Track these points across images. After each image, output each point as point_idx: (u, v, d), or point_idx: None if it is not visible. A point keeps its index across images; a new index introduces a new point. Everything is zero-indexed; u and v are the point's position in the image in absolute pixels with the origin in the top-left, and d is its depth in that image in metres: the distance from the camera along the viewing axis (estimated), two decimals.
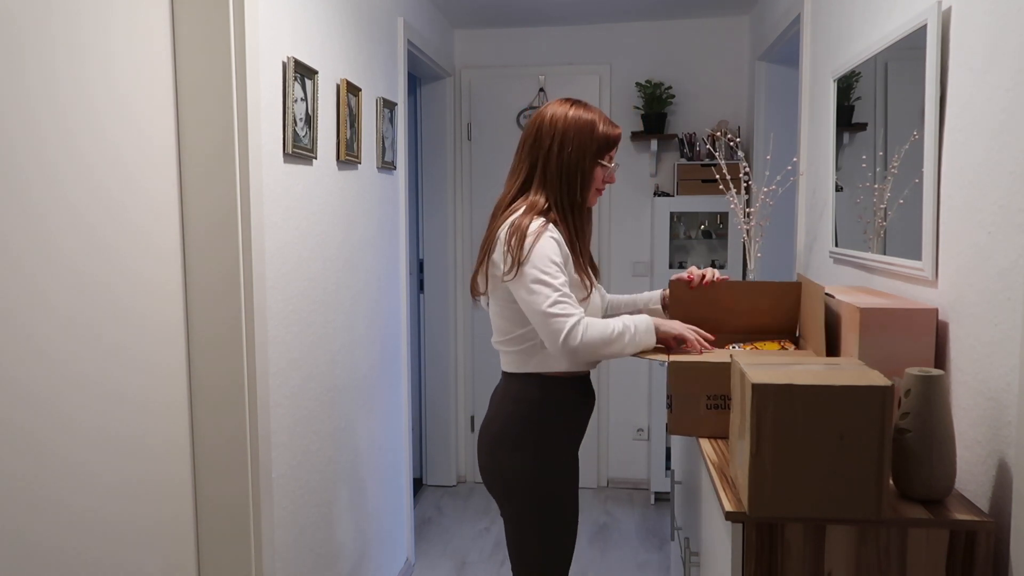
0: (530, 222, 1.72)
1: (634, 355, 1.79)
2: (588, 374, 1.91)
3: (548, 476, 1.80)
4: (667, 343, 1.80)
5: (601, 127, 1.80)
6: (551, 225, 1.74)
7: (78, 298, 1.41)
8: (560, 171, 1.78)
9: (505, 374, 1.87)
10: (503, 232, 1.75)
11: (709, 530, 1.57)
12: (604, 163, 1.82)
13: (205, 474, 1.78)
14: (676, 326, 1.79)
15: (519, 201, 1.81)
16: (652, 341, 1.77)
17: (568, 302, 1.68)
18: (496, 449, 1.82)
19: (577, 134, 1.78)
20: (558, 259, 1.71)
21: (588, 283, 1.81)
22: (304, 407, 2.12)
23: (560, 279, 1.69)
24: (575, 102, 1.83)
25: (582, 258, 1.82)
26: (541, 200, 1.78)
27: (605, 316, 1.98)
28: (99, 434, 1.47)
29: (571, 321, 1.66)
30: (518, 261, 1.69)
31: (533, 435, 1.79)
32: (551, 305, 1.66)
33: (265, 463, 1.84)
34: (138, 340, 1.58)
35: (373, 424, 2.71)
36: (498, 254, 1.75)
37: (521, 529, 1.83)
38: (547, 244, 1.70)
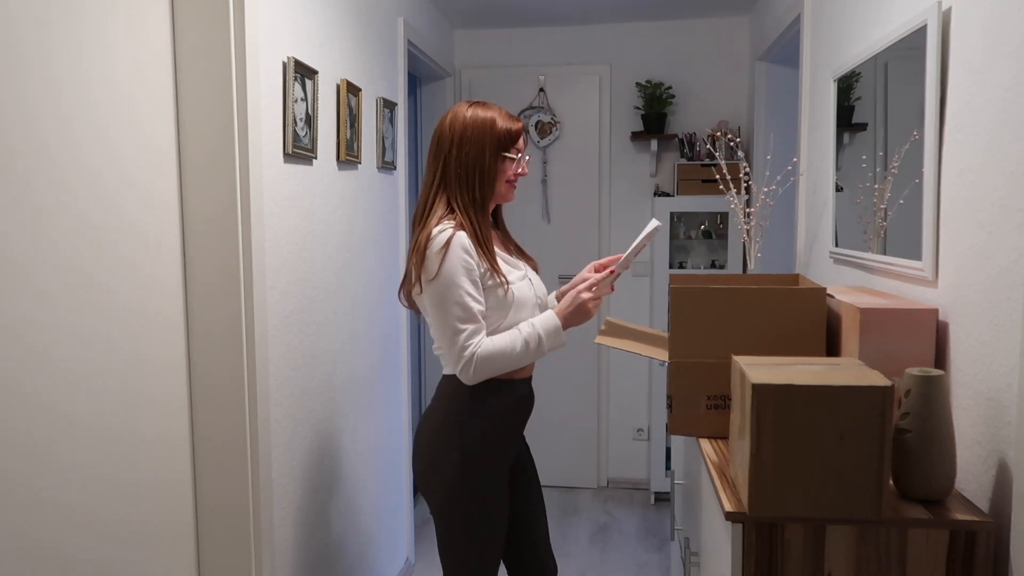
0: (438, 235, 1.72)
1: (632, 353, 1.81)
2: (529, 377, 1.91)
3: (473, 479, 1.80)
4: (581, 320, 1.82)
5: (500, 123, 1.81)
6: (459, 233, 1.72)
7: (78, 296, 1.41)
8: (462, 170, 1.79)
9: (443, 375, 1.90)
10: (415, 250, 1.75)
11: (709, 530, 1.57)
12: (510, 155, 1.83)
13: (205, 473, 1.78)
14: (571, 305, 1.81)
15: (427, 212, 1.81)
16: (561, 340, 1.80)
17: (469, 331, 1.71)
18: (425, 449, 1.84)
19: (476, 132, 1.79)
20: (464, 276, 1.71)
21: (502, 279, 1.77)
22: (304, 407, 2.12)
23: (463, 299, 1.70)
24: (475, 103, 1.85)
25: (490, 255, 1.78)
26: (445, 205, 1.79)
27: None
28: (98, 433, 1.47)
29: (467, 352, 1.71)
30: (424, 282, 1.73)
31: (460, 438, 1.79)
32: (451, 334, 1.72)
33: (265, 463, 1.84)
34: (138, 339, 1.58)
35: (373, 424, 2.71)
36: (414, 272, 1.77)
37: (446, 528, 1.85)
38: (451, 263, 1.69)
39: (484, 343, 1.73)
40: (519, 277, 1.84)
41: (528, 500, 2.02)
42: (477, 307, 1.72)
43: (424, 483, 1.86)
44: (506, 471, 1.87)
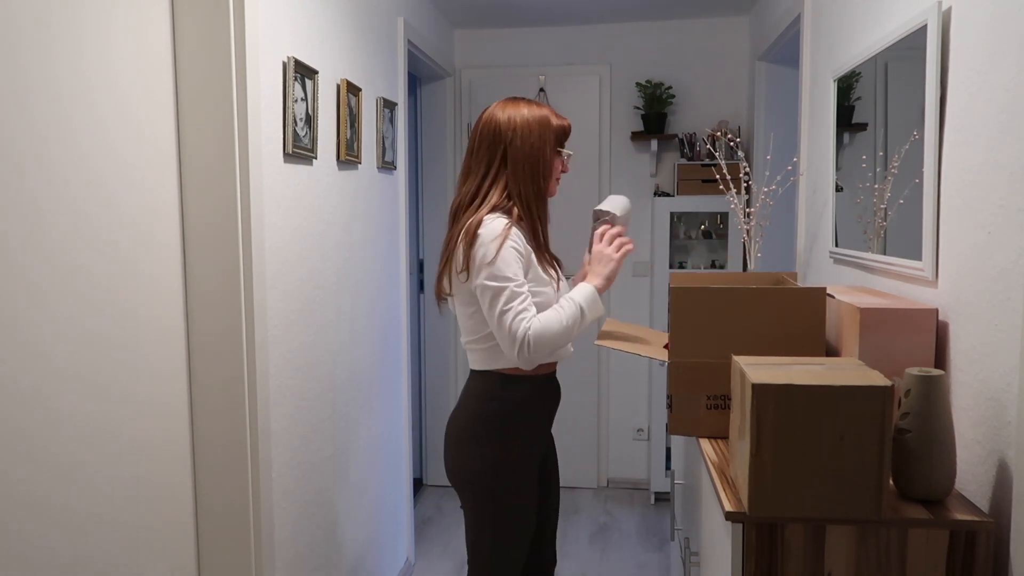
0: (492, 224, 1.75)
1: (632, 354, 1.81)
2: (553, 371, 1.94)
3: (506, 472, 1.82)
4: (612, 272, 1.88)
5: (554, 120, 1.88)
6: (513, 227, 1.77)
7: (76, 294, 1.41)
8: (523, 163, 1.83)
9: (472, 372, 1.90)
10: (466, 234, 1.77)
11: (709, 530, 1.57)
12: (561, 150, 1.90)
13: (205, 473, 1.78)
14: (602, 267, 1.87)
15: (479, 200, 1.83)
16: (600, 308, 1.83)
17: (523, 310, 1.71)
18: (458, 444, 1.86)
19: (537, 127, 1.84)
20: (517, 263, 1.74)
21: (554, 275, 1.84)
22: (304, 407, 2.12)
23: (516, 284, 1.72)
24: (522, 100, 1.89)
25: (546, 251, 1.87)
26: (503, 197, 1.82)
27: None
28: (98, 433, 1.47)
29: (520, 331, 1.70)
30: (477, 266, 1.74)
31: (494, 432, 1.81)
32: (506, 315, 1.71)
33: (265, 462, 1.84)
34: (138, 338, 1.58)
35: (373, 424, 2.71)
36: (459, 255, 1.78)
37: (477, 522, 1.86)
38: (507, 250, 1.73)
39: (534, 322, 1.72)
40: (557, 279, 1.88)
41: (548, 496, 2.03)
42: (526, 293, 1.74)
43: (456, 478, 1.87)
44: (535, 466, 1.89)
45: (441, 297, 1.90)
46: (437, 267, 1.89)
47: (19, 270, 1.28)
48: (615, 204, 2.00)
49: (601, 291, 1.84)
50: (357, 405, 2.54)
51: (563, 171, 1.94)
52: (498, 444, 1.81)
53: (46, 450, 1.34)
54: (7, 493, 1.26)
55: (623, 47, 3.96)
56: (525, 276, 1.77)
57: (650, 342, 2.05)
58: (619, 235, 1.93)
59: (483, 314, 1.77)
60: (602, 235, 1.92)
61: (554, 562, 2.10)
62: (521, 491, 1.84)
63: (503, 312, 1.70)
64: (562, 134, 1.89)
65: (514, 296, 1.71)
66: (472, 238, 1.74)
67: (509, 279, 1.71)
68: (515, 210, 1.81)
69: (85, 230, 1.43)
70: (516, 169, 1.82)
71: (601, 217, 1.97)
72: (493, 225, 1.74)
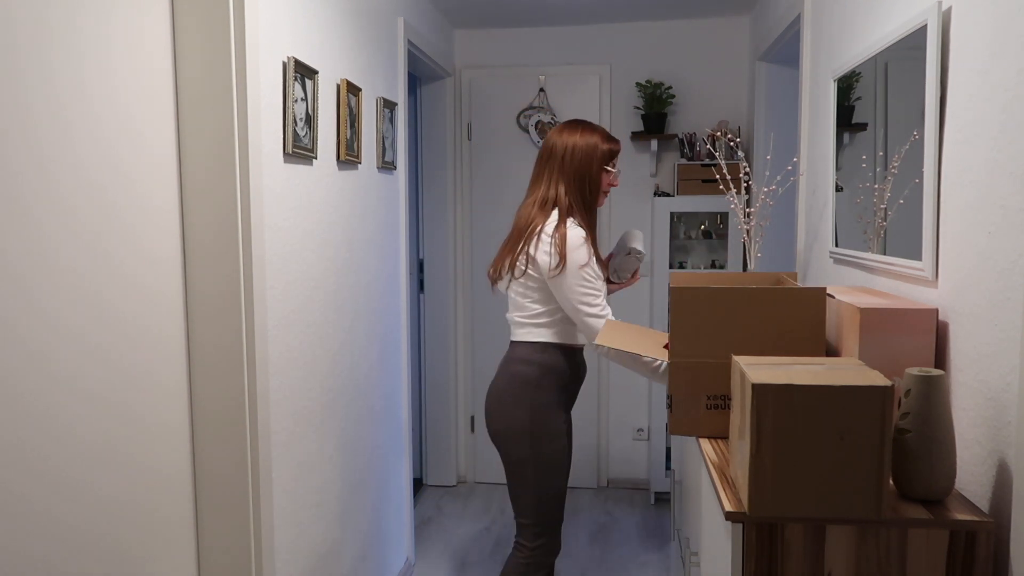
0: (573, 229, 2.13)
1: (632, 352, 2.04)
2: (581, 347, 2.30)
3: (541, 429, 2.16)
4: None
5: (604, 144, 2.23)
6: (584, 234, 2.14)
7: (73, 292, 1.41)
8: (575, 176, 2.20)
9: (513, 343, 2.27)
10: (548, 234, 2.12)
11: (709, 530, 1.57)
12: (608, 168, 2.25)
13: (205, 472, 1.78)
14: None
15: (547, 203, 2.20)
16: (657, 379, 2.14)
17: (602, 301, 2.14)
18: (500, 404, 2.20)
19: (594, 146, 2.22)
20: (595, 264, 2.14)
21: (603, 272, 2.21)
22: (304, 406, 2.12)
23: (599, 283, 2.14)
24: (581, 124, 2.26)
25: (598, 252, 2.21)
26: (566, 203, 2.18)
27: None
28: (96, 441, 1.46)
29: (602, 319, 2.12)
30: (565, 263, 2.09)
31: (531, 394, 2.16)
32: (592, 305, 2.12)
33: (265, 462, 1.84)
34: (138, 338, 1.58)
35: (373, 424, 2.71)
36: (543, 252, 2.12)
37: (519, 472, 2.18)
38: (587, 251, 2.12)
39: (607, 315, 2.15)
40: (603, 276, 2.22)
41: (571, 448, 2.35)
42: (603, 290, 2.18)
43: (499, 435, 2.21)
44: (566, 424, 2.23)
45: (500, 277, 2.25)
46: (500, 251, 2.25)
47: (15, 278, 1.27)
48: (643, 242, 2.36)
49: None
50: (357, 405, 2.54)
51: (612, 185, 2.28)
52: (535, 405, 2.15)
53: (43, 463, 1.32)
54: (4, 506, 1.25)
55: (623, 47, 3.96)
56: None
57: (650, 342, 2.06)
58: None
59: (547, 297, 2.16)
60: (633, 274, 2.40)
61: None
62: (556, 443, 2.18)
63: (589, 303, 2.11)
64: (610, 154, 2.23)
65: (598, 293, 2.13)
66: (562, 243, 2.09)
67: (594, 278, 2.12)
68: (576, 215, 2.18)
69: (84, 231, 1.42)
70: (571, 182, 2.19)
71: (633, 253, 2.33)
72: (575, 233, 2.12)
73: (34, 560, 1.31)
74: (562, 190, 2.18)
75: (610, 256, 2.40)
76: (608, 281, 2.35)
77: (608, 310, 2.14)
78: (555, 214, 2.16)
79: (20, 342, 1.28)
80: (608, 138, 2.24)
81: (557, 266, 2.10)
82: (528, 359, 2.19)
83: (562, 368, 2.22)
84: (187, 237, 1.74)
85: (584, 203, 2.20)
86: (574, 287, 2.10)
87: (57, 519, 1.36)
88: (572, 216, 2.17)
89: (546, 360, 2.19)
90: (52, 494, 1.35)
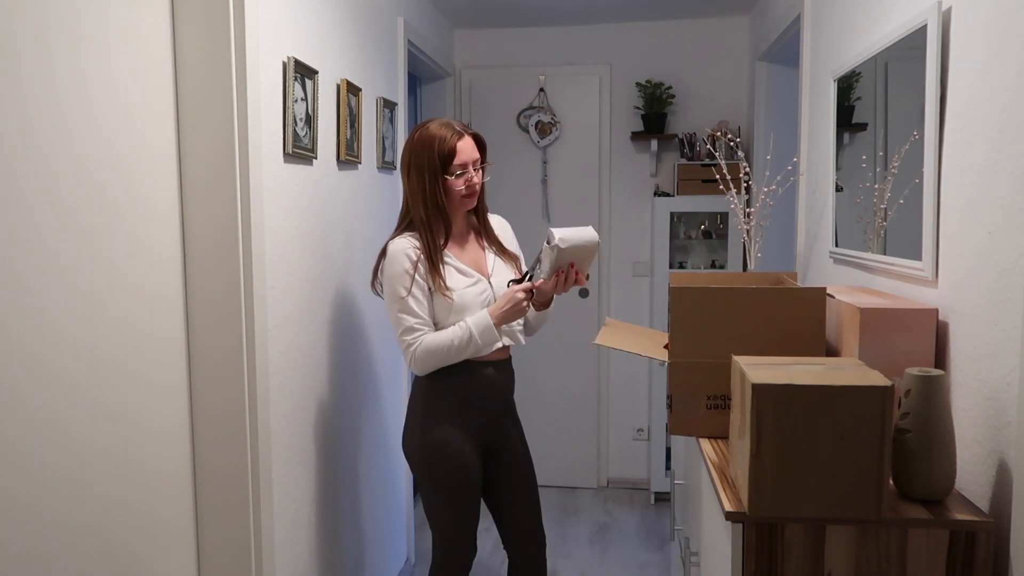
0: (391, 243, 2.00)
1: (632, 354, 1.95)
2: (488, 362, 2.05)
3: (432, 446, 2.02)
4: (515, 316, 1.99)
5: (436, 145, 1.95)
6: (411, 240, 1.98)
7: (70, 292, 1.41)
8: (411, 192, 2.02)
9: None
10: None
11: (709, 530, 1.57)
12: (449, 177, 1.98)
13: (205, 471, 1.78)
14: (507, 305, 1.96)
15: (401, 218, 2.09)
16: (493, 335, 1.97)
17: (408, 326, 1.95)
18: (405, 429, 2.12)
19: (416, 159, 1.98)
20: (405, 281, 1.94)
21: (442, 283, 1.97)
22: (304, 406, 2.12)
23: (404, 302, 1.94)
24: (422, 125, 2.01)
25: (435, 268, 1.97)
26: (405, 216, 2.06)
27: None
28: (95, 444, 1.46)
29: (409, 350, 1.96)
30: (379, 282, 2.04)
31: (421, 412, 2.05)
32: (398, 332, 1.98)
33: (265, 463, 1.84)
34: (138, 339, 1.58)
35: (373, 424, 2.71)
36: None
37: (421, 490, 2.10)
38: (394, 266, 1.95)
39: (424, 340, 1.95)
40: (467, 284, 2.01)
41: (512, 475, 2.18)
42: (419, 309, 1.96)
43: (404, 452, 2.13)
44: (469, 442, 2.05)
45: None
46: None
47: (13, 282, 1.26)
48: (568, 237, 1.89)
49: (496, 325, 1.97)
50: (357, 405, 2.54)
51: (469, 185, 2.00)
52: (426, 421, 2.03)
53: (42, 468, 1.32)
54: (5, 511, 1.24)
55: (623, 47, 3.96)
56: (431, 288, 1.96)
57: (651, 341, 2.06)
58: (563, 272, 1.94)
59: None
60: (529, 287, 1.98)
61: (542, 538, 2.24)
62: (448, 463, 2.02)
63: (401, 330, 1.97)
64: (444, 160, 1.95)
65: (402, 312, 1.96)
66: (381, 255, 2.01)
67: (398, 298, 1.95)
68: (416, 227, 2.00)
69: (82, 231, 1.42)
70: (408, 197, 2.03)
71: (551, 242, 1.89)
72: (392, 247, 1.98)
73: (35, 564, 1.30)
74: (408, 203, 2.05)
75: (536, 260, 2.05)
76: (521, 281, 2.01)
77: (423, 333, 1.94)
78: (396, 230, 2.06)
79: (19, 345, 1.27)
80: (443, 139, 1.95)
81: (376, 282, 2.08)
82: (416, 382, 2.08)
83: (456, 386, 2.02)
84: (187, 237, 1.74)
85: (427, 216, 1.97)
86: (388, 303, 2.00)
87: (58, 523, 1.36)
88: (412, 228, 2.01)
89: (431, 384, 2.03)
90: (53, 498, 1.34)
